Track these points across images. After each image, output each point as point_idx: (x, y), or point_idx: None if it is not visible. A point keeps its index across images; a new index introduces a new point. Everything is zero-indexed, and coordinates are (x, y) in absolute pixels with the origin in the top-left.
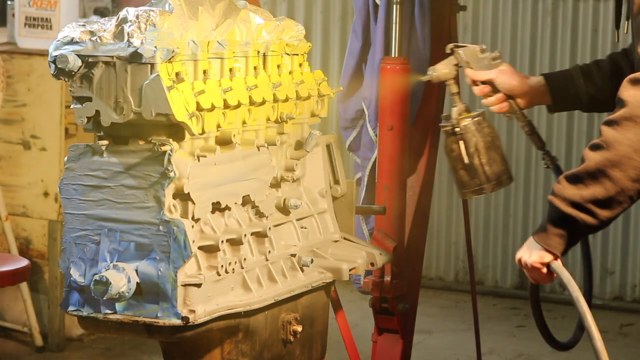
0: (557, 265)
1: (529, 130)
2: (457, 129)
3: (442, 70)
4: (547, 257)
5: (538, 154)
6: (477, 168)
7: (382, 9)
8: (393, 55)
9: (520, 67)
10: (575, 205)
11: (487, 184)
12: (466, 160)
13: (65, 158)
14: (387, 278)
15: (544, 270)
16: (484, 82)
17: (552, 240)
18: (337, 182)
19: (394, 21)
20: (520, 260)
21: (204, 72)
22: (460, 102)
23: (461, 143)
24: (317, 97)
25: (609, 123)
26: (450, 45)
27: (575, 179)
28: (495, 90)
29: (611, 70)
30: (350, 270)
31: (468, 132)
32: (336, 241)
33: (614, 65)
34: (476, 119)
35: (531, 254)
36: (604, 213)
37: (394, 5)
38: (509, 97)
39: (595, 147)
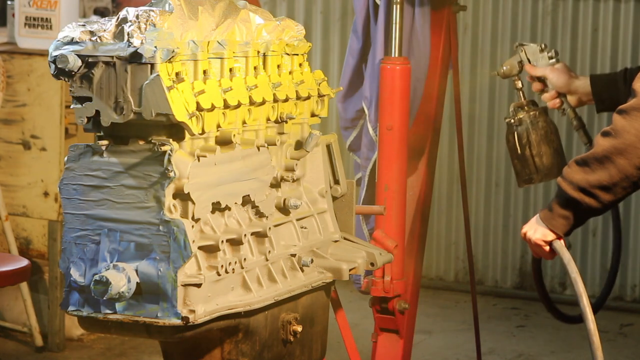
0: (559, 245)
1: (577, 125)
2: (512, 122)
3: (508, 66)
4: (550, 236)
5: None
6: (528, 159)
7: (382, 9)
8: (393, 55)
9: None
10: (580, 189)
11: (536, 174)
12: (519, 150)
13: (65, 158)
14: (387, 278)
15: (546, 248)
16: (538, 79)
17: (556, 221)
18: (337, 182)
19: (394, 21)
20: (525, 235)
21: (204, 72)
22: (523, 98)
23: (515, 134)
24: (317, 97)
25: (620, 112)
26: (517, 43)
27: (583, 163)
28: (549, 86)
29: None
30: (350, 270)
31: (522, 125)
32: (336, 241)
33: None
34: (532, 112)
35: (535, 230)
36: (607, 197)
37: (394, 5)
38: (560, 94)
39: (605, 134)
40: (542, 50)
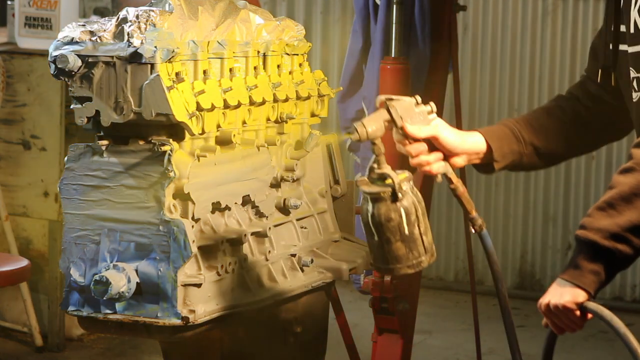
0: (594, 305)
1: (462, 191)
2: (399, 195)
3: (371, 126)
4: (582, 297)
5: None
6: (417, 239)
7: (382, 9)
8: (393, 56)
9: (521, 67)
10: (612, 235)
11: (425, 256)
12: (407, 230)
13: (65, 158)
14: (387, 278)
15: (577, 312)
16: (424, 140)
17: (587, 278)
18: (337, 182)
19: (394, 21)
20: (548, 305)
21: (204, 72)
22: (386, 164)
23: (402, 211)
24: (317, 97)
25: (638, 145)
26: (382, 98)
27: (608, 207)
28: (431, 148)
29: (548, 125)
30: (350, 270)
31: (408, 197)
32: (336, 241)
33: (553, 119)
34: (410, 182)
35: (562, 294)
36: (638, 240)
37: (394, 5)
38: (446, 156)
39: (627, 171)
40: (417, 105)
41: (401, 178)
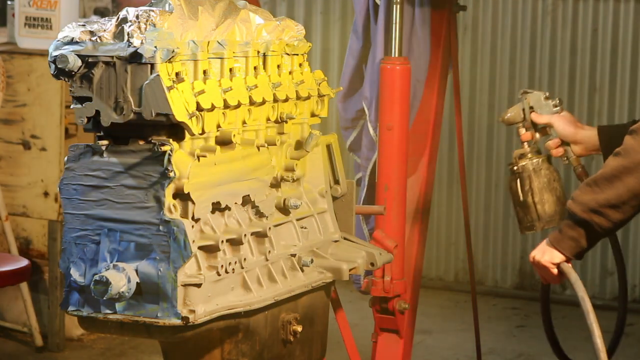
0: (567, 266)
1: (580, 172)
2: (515, 169)
3: (512, 113)
4: (558, 258)
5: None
6: (530, 206)
7: (382, 9)
8: (393, 55)
9: (521, 67)
10: (590, 209)
11: (538, 222)
12: (521, 197)
13: (65, 158)
14: (387, 278)
15: (554, 270)
16: (543, 126)
17: (565, 243)
18: (337, 182)
19: (394, 21)
20: (533, 259)
21: (204, 72)
22: (527, 145)
23: (518, 182)
24: (317, 97)
25: (630, 132)
26: (522, 91)
27: (593, 184)
28: (553, 135)
29: None
30: (350, 270)
31: (525, 172)
32: (336, 241)
33: None
34: (534, 160)
35: (544, 253)
36: (616, 215)
37: (394, 5)
38: (565, 142)
39: (615, 154)
40: (546, 98)
41: (526, 157)
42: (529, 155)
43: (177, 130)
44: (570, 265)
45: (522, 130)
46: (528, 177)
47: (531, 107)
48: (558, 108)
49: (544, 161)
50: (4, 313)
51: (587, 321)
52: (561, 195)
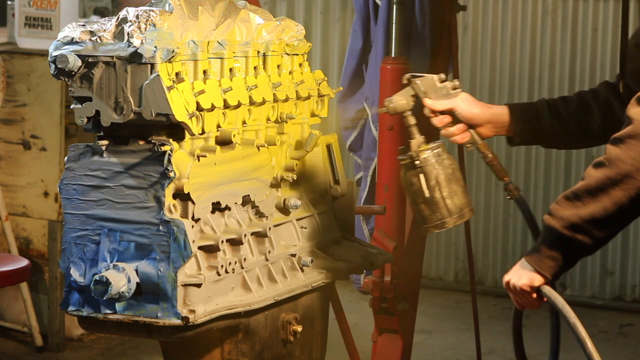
0: (548, 290)
1: (492, 157)
2: (416, 162)
3: (399, 101)
4: (538, 281)
5: (538, 154)
6: (439, 202)
7: (382, 9)
8: (393, 56)
9: (521, 67)
10: (572, 226)
11: (449, 217)
12: (427, 194)
13: (65, 158)
14: (387, 278)
15: (534, 295)
16: (443, 112)
17: (544, 263)
18: (337, 182)
19: (394, 21)
20: (508, 283)
21: (204, 72)
22: (418, 134)
23: (421, 176)
24: (317, 97)
25: (614, 141)
26: (407, 76)
27: (574, 197)
28: (455, 120)
29: (577, 108)
30: (350, 270)
31: (428, 164)
32: (336, 241)
33: (582, 102)
34: (435, 150)
35: (521, 276)
36: (600, 233)
37: (394, 5)
38: (470, 126)
39: (598, 165)
40: (441, 81)
41: (424, 148)
42: (428, 145)
43: (177, 130)
44: (550, 288)
45: (411, 120)
46: (433, 169)
47: (425, 93)
48: (457, 90)
49: (443, 150)
50: (4, 313)
51: (585, 350)
52: (464, 185)
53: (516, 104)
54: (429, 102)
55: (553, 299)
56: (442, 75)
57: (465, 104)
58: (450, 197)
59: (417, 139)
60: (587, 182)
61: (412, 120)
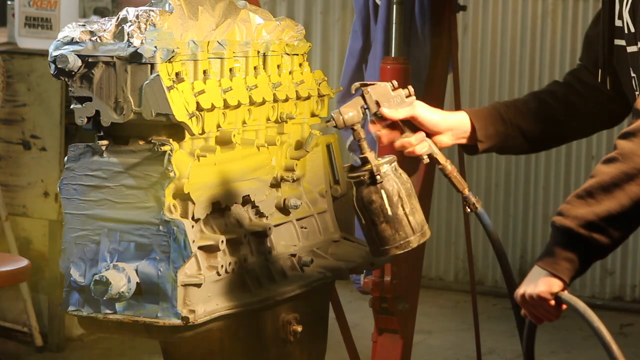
0: (567, 295)
1: (450, 171)
2: (377, 177)
3: (347, 112)
4: (557, 286)
5: (538, 154)
6: (402, 219)
7: (382, 9)
8: (393, 56)
9: (521, 67)
10: (588, 225)
11: (413, 236)
12: (390, 211)
13: (65, 158)
14: (387, 278)
15: (552, 302)
16: (401, 122)
17: (560, 265)
18: (337, 182)
19: (394, 21)
20: (523, 295)
21: (204, 72)
22: (369, 149)
23: (383, 193)
24: (317, 97)
25: (625, 136)
26: (357, 85)
27: (587, 195)
28: (413, 129)
29: (537, 106)
30: (350, 270)
31: (389, 179)
32: (336, 241)
33: (540, 101)
34: (393, 164)
35: (537, 284)
36: (617, 232)
37: (394, 5)
38: (428, 136)
39: (609, 161)
40: (395, 89)
41: (382, 162)
42: (385, 159)
43: (177, 130)
44: (568, 294)
45: (362, 133)
46: (394, 184)
47: (376, 102)
48: (412, 97)
49: (398, 163)
50: (4, 313)
51: (610, 355)
52: (418, 199)
53: (473, 110)
54: (387, 112)
55: (574, 304)
56: (395, 82)
57: (425, 111)
58: (412, 213)
59: (370, 154)
60: (601, 179)
61: (362, 134)
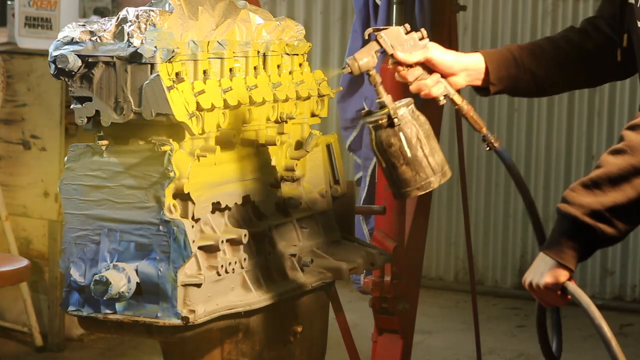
0: (574, 287)
1: (467, 111)
2: (395, 120)
3: (362, 58)
4: (563, 276)
5: (539, 151)
6: (422, 160)
7: (382, 9)
8: None
9: None
10: (593, 214)
11: (434, 176)
12: (409, 153)
13: (65, 158)
14: (387, 278)
15: (558, 292)
16: (416, 64)
17: (566, 254)
18: (337, 182)
19: (394, 21)
20: (530, 284)
21: (204, 72)
22: (385, 93)
23: (401, 135)
24: (317, 97)
25: (633, 127)
26: (370, 30)
27: (593, 185)
28: (428, 71)
29: (554, 50)
30: (350, 270)
31: (407, 121)
32: (336, 241)
33: (555, 45)
34: (410, 106)
35: (543, 274)
36: (622, 224)
37: (394, 5)
38: (443, 77)
39: (617, 152)
40: (407, 32)
41: (399, 105)
42: (402, 102)
43: (177, 130)
44: (575, 284)
45: (378, 77)
46: (412, 126)
47: (392, 47)
48: (425, 40)
49: (415, 106)
50: (4, 313)
51: (610, 351)
52: (437, 140)
53: (488, 51)
54: (401, 55)
55: (578, 297)
56: (407, 26)
57: (439, 53)
58: (432, 154)
59: (387, 97)
60: (608, 170)
61: (378, 79)
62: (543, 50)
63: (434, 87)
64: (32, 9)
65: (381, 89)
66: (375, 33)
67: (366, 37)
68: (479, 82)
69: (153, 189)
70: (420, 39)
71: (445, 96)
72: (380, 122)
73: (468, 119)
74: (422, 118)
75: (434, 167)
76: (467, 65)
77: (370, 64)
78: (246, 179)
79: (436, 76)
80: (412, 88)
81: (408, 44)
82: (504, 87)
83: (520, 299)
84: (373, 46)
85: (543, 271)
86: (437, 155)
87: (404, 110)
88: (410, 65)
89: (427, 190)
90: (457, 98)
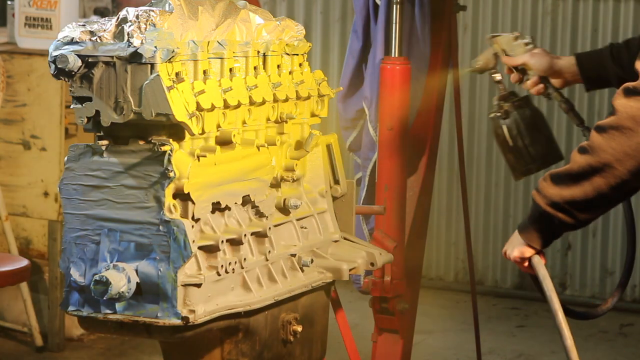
0: (536, 261)
1: (566, 107)
2: (499, 114)
3: (483, 60)
4: (528, 252)
5: None
6: (522, 150)
7: (382, 9)
8: (393, 55)
9: None
10: (554, 204)
11: (533, 163)
12: (510, 143)
13: (65, 158)
14: (387, 278)
15: (525, 264)
16: (516, 68)
17: (532, 235)
18: (337, 182)
19: (394, 21)
20: (505, 253)
21: (204, 72)
22: (504, 90)
23: (504, 127)
24: (317, 97)
25: (598, 128)
26: (489, 36)
27: (558, 179)
28: (530, 73)
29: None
30: (350, 270)
31: (510, 116)
32: (336, 241)
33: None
34: (516, 102)
35: (513, 248)
36: (581, 215)
37: (394, 5)
38: (543, 78)
39: (582, 151)
40: (516, 39)
41: (511, 100)
42: (510, 99)
43: (177, 130)
44: (540, 258)
45: (497, 76)
46: (514, 120)
47: (503, 51)
48: (531, 46)
49: (525, 102)
50: (4, 313)
51: (555, 321)
52: (549, 134)
53: (583, 54)
54: (505, 59)
55: (536, 270)
56: (517, 33)
57: (535, 58)
58: (532, 145)
59: (502, 94)
60: (571, 167)
61: (498, 77)
62: (628, 49)
63: (534, 87)
64: (32, 9)
65: (501, 86)
66: (492, 39)
67: (486, 41)
68: (579, 82)
69: (153, 189)
70: (526, 45)
71: (548, 94)
72: (490, 115)
73: (568, 115)
74: (528, 112)
75: (534, 155)
76: (561, 70)
77: (489, 65)
78: (246, 179)
79: (536, 78)
80: (523, 87)
81: (517, 49)
82: (597, 86)
83: (520, 299)
84: (490, 50)
85: (515, 246)
86: (538, 145)
87: (508, 106)
88: (515, 67)
89: (527, 175)
90: (556, 96)
